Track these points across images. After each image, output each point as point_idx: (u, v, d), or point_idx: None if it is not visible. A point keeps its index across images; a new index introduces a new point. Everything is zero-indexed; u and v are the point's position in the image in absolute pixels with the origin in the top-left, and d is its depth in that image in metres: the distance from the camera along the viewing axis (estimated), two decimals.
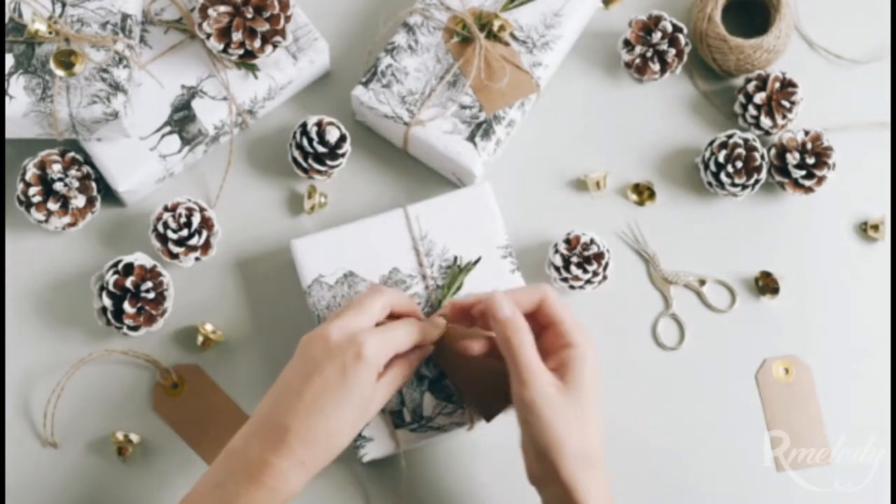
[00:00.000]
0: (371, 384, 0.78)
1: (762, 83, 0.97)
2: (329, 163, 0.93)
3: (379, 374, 0.79)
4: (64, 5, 0.89)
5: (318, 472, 0.89)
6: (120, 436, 0.89)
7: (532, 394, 0.76)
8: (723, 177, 0.95)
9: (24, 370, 0.91)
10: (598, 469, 0.77)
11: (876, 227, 0.97)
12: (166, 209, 0.91)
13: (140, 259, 0.90)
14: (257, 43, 0.91)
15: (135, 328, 0.89)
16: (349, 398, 0.77)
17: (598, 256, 0.92)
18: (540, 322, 0.81)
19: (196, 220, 0.91)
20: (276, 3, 0.91)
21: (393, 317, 0.83)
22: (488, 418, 0.86)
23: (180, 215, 0.90)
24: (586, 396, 0.77)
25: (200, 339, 0.91)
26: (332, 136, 0.93)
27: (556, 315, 0.80)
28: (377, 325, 0.81)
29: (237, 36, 0.91)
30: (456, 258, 0.91)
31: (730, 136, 0.95)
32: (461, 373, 0.87)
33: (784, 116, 0.97)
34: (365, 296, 0.82)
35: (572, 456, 0.76)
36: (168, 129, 0.92)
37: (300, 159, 0.93)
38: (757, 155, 0.95)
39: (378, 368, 0.78)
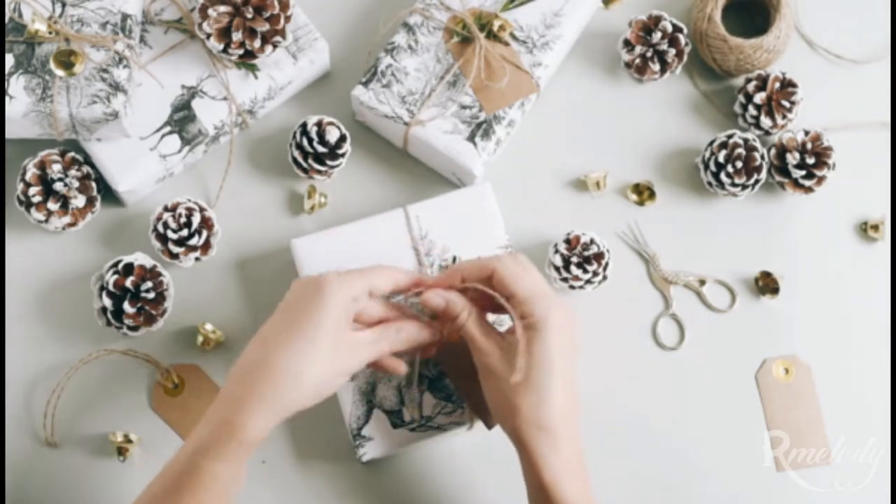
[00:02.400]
0: (337, 316, 0.77)
1: (762, 83, 0.97)
2: (329, 163, 0.93)
3: (358, 322, 0.80)
4: (64, 5, 0.89)
5: (318, 472, 0.89)
6: (120, 436, 0.89)
7: (479, 364, 0.80)
8: (723, 177, 0.95)
9: (24, 370, 0.91)
10: (556, 437, 0.77)
11: (876, 227, 0.97)
12: (166, 209, 0.91)
13: (140, 259, 0.90)
14: (257, 43, 0.91)
15: (135, 328, 0.89)
16: (312, 330, 0.77)
17: (598, 256, 0.92)
18: (503, 293, 0.81)
19: (196, 220, 0.91)
20: (276, 3, 0.91)
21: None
22: (489, 425, 0.86)
23: (180, 215, 0.90)
24: (542, 367, 0.77)
25: (200, 339, 0.91)
26: (332, 136, 0.93)
27: (509, 288, 0.80)
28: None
29: (237, 36, 0.91)
30: (455, 258, 0.91)
31: (730, 136, 0.95)
32: (465, 380, 0.87)
33: (784, 116, 0.97)
34: (372, 267, 0.82)
35: (525, 422, 0.77)
36: (168, 129, 0.92)
37: (300, 159, 0.93)
38: (757, 155, 0.95)
39: (344, 301, 0.78)
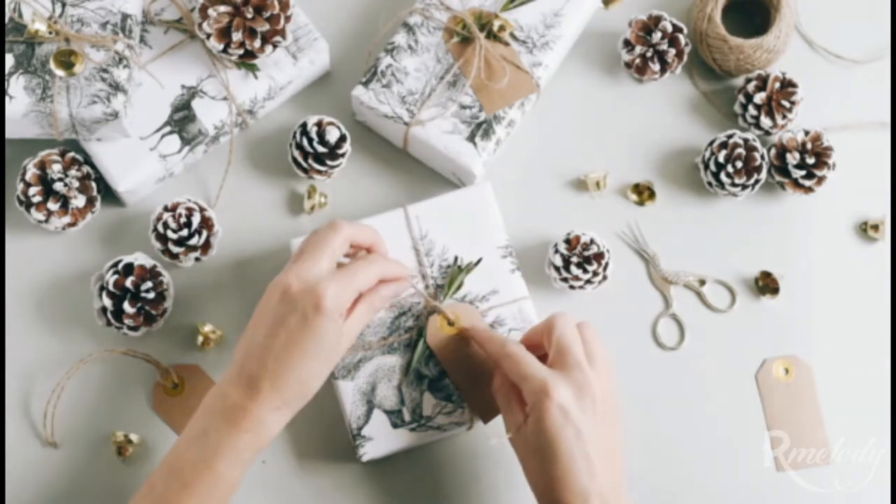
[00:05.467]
0: (336, 331, 0.79)
1: (762, 83, 0.97)
2: (329, 163, 0.93)
3: (343, 315, 0.80)
4: (64, 5, 0.89)
5: (318, 472, 0.89)
6: (120, 436, 0.89)
7: (506, 424, 0.82)
8: (723, 177, 0.95)
9: (24, 370, 0.91)
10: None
11: (876, 227, 0.97)
12: (166, 209, 0.91)
13: (140, 259, 0.90)
14: (257, 43, 0.91)
15: (135, 328, 0.89)
16: (315, 347, 0.78)
17: (598, 256, 0.92)
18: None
19: (196, 220, 0.91)
20: (276, 3, 0.91)
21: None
22: (485, 420, 0.86)
23: (180, 215, 0.90)
24: (545, 449, 0.77)
25: (200, 339, 0.91)
26: (332, 136, 0.93)
27: (512, 377, 0.81)
28: (339, 265, 0.82)
29: (237, 36, 0.91)
30: (456, 258, 0.91)
31: (730, 136, 0.95)
32: (461, 373, 0.87)
33: (784, 116, 0.97)
34: (320, 235, 0.82)
35: (535, 494, 0.79)
36: (168, 129, 0.92)
37: (300, 159, 0.93)
38: (757, 155, 0.95)
39: (340, 314, 0.79)
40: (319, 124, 0.93)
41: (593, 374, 0.79)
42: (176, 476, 0.77)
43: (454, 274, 0.90)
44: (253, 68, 0.94)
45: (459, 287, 0.90)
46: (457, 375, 0.87)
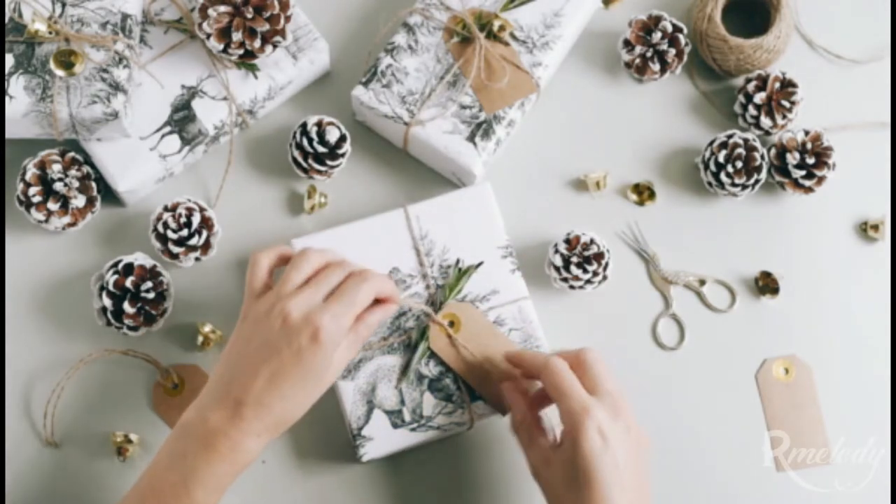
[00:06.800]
0: (327, 361, 0.79)
1: (762, 83, 0.97)
2: (329, 163, 0.93)
3: (338, 345, 0.80)
4: (64, 5, 0.89)
5: (318, 472, 0.89)
6: (120, 436, 0.89)
7: (530, 461, 0.82)
8: (723, 177, 0.95)
9: (24, 370, 0.91)
10: None
11: (876, 227, 0.97)
12: (166, 209, 0.91)
13: (140, 259, 0.90)
14: (257, 43, 0.91)
15: (135, 328, 0.89)
16: (304, 379, 0.78)
17: (598, 256, 0.92)
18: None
19: (196, 220, 0.91)
20: (276, 3, 0.91)
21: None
22: (504, 412, 0.87)
23: (180, 215, 0.90)
24: (580, 461, 0.77)
25: (200, 339, 0.91)
26: (332, 136, 0.93)
27: (550, 394, 0.81)
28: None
29: (237, 36, 0.91)
30: (458, 261, 0.91)
31: (730, 136, 0.95)
32: (471, 373, 0.87)
33: (784, 116, 0.97)
34: (351, 286, 0.81)
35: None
36: (168, 129, 0.92)
37: (300, 159, 0.93)
38: (757, 155, 0.95)
39: (336, 347, 0.79)
40: (319, 124, 0.93)
41: (624, 403, 0.80)
42: (154, 498, 0.77)
43: (455, 276, 0.90)
44: (253, 68, 0.94)
45: (460, 290, 0.90)
46: (468, 375, 0.88)
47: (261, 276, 0.82)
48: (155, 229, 0.91)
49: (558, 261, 0.92)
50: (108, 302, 0.88)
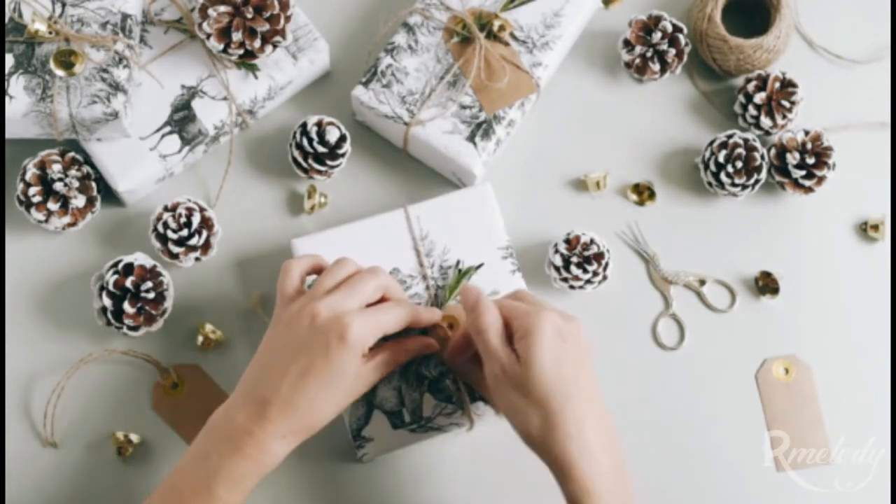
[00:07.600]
0: (355, 365, 0.79)
1: (762, 83, 0.97)
2: (329, 163, 0.93)
3: (365, 355, 0.80)
4: (64, 5, 0.89)
5: (318, 472, 0.89)
6: (120, 436, 0.89)
7: (487, 373, 0.79)
8: (723, 177, 0.95)
9: (24, 370, 0.91)
10: (583, 444, 0.76)
11: (876, 227, 0.97)
12: (166, 209, 0.91)
13: (140, 259, 0.90)
14: (257, 43, 0.91)
15: (135, 328, 0.89)
16: (332, 379, 0.78)
17: (598, 256, 0.92)
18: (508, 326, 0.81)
19: (196, 220, 0.91)
20: (276, 3, 0.91)
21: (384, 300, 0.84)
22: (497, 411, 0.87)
23: (180, 215, 0.90)
24: (532, 380, 0.76)
25: (200, 339, 0.91)
26: (332, 136, 0.93)
27: (506, 318, 0.80)
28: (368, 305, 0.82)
29: (237, 36, 0.91)
30: (458, 262, 0.91)
31: (730, 136, 0.95)
32: (472, 375, 0.87)
33: (784, 116, 0.97)
34: (360, 276, 0.82)
35: (521, 434, 0.78)
36: (168, 129, 0.92)
37: (300, 159, 0.93)
38: (757, 155, 0.95)
39: (363, 350, 0.79)
40: (319, 124, 0.93)
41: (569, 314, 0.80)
42: (175, 497, 0.77)
43: (456, 277, 0.90)
44: (253, 68, 0.94)
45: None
46: (468, 377, 0.88)
47: (292, 282, 0.83)
48: (155, 229, 0.91)
49: (558, 261, 0.92)
50: (108, 302, 0.88)
